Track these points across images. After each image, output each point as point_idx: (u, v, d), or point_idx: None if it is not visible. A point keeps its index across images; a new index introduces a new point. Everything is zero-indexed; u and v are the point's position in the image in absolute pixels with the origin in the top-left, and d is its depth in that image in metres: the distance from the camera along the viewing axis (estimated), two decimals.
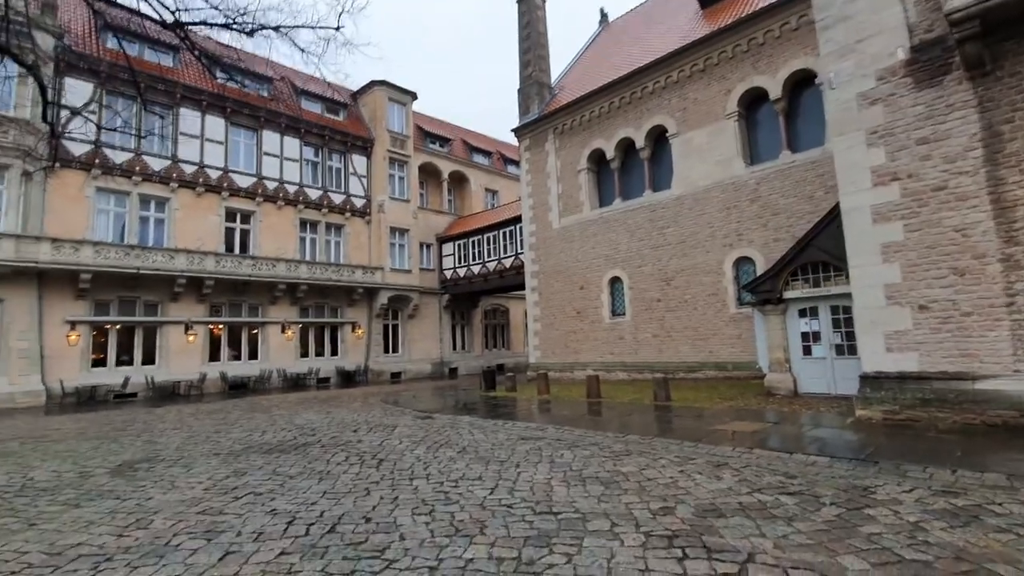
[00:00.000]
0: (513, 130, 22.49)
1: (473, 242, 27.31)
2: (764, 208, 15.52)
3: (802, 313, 11.59)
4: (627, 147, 19.21)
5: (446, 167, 30.45)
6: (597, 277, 19.52)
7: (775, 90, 15.45)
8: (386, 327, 26.65)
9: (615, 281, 19.07)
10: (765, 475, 5.71)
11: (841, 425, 8.14)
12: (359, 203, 25.97)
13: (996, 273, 7.22)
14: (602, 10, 26.98)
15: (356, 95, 27.02)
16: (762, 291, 11.99)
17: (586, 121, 20.28)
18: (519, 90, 22.95)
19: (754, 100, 16.27)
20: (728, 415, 9.60)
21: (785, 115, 15.59)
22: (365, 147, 26.31)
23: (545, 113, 21.55)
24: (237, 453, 7.88)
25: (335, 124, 25.40)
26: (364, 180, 26.26)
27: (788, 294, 11.66)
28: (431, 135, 30.29)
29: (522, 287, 24.11)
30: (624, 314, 18.65)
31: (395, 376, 26.11)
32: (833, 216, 10.71)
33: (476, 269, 27.05)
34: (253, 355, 22.29)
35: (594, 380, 13.02)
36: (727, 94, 16.48)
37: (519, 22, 23.38)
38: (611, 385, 15.73)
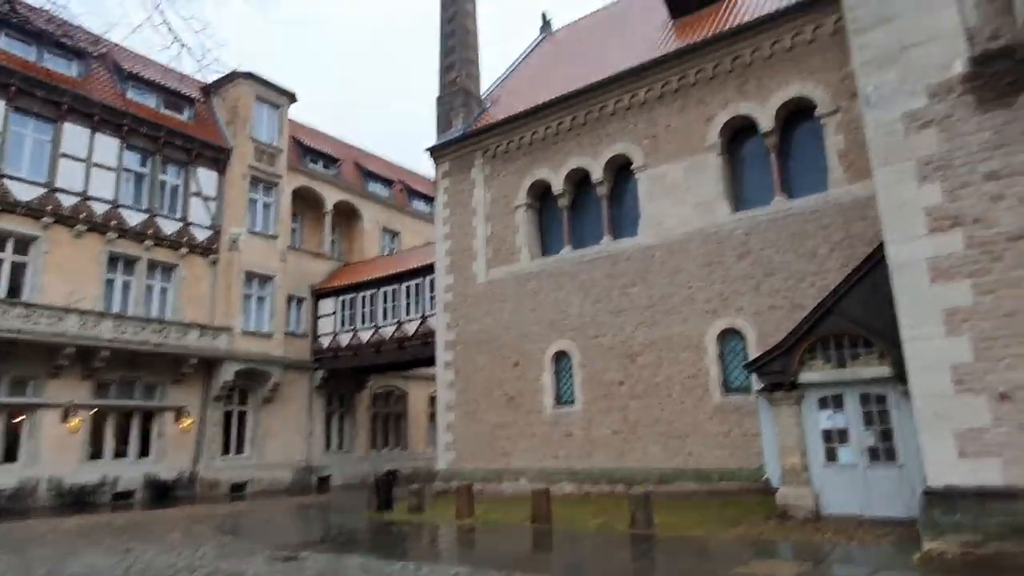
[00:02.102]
0: (429, 149, 21.82)
1: (364, 298, 25.78)
2: (755, 266, 15.55)
3: (823, 403, 11.19)
4: (580, 180, 19.04)
5: (331, 195, 29.16)
6: (538, 351, 18.61)
7: (766, 121, 15.93)
8: (229, 415, 23.96)
9: (561, 357, 18.26)
10: None
11: (907, 564, 7.52)
12: (202, 236, 23.79)
13: None
14: (544, 15, 27.83)
15: (211, 89, 25.42)
16: (770, 372, 11.54)
17: (527, 144, 20.04)
18: (439, 99, 22.55)
19: (740, 131, 16.70)
20: (743, 550, 8.71)
21: (778, 152, 16.05)
22: (217, 159, 24.50)
23: (473, 130, 21.13)
24: None
25: (176, 124, 23.53)
26: (213, 204, 24.25)
27: (804, 377, 11.26)
28: (313, 152, 29.06)
29: (430, 362, 22.70)
30: (573, 402, 17.74)
31: (238, 488, 23.23)
32: (863, 274, 10.58)
33: (365, 336, 25.37)
34: (11, 455, 18.96)
35: (543, 497, 11.77)
36: (707, 122, 16.82)
37: (442, 14, 23.35)
38: (558, 502, 14.45)
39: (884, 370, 10.39)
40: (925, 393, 8.13)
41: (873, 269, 10.26)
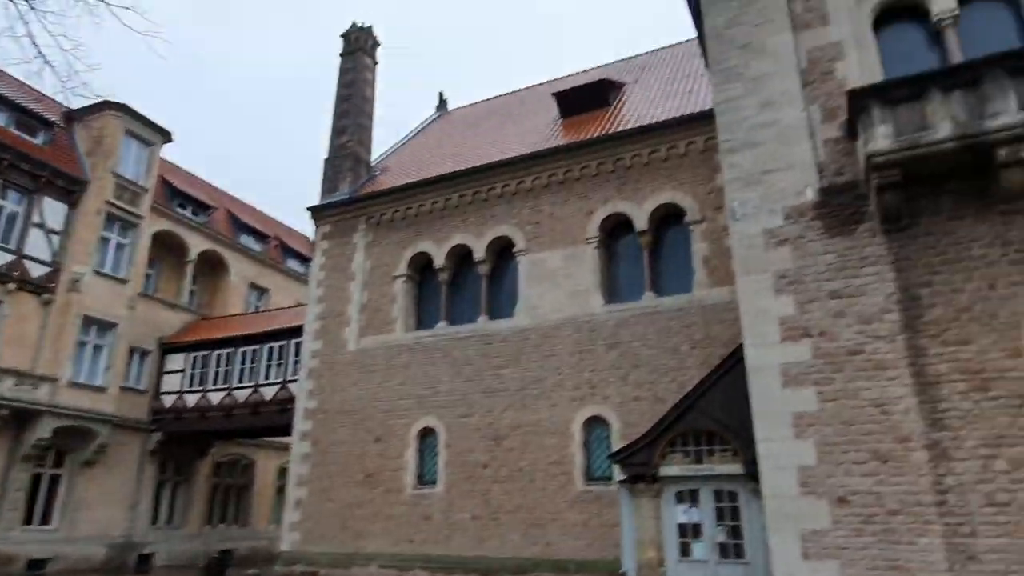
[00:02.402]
0: (311, 209, 21.16)
1: (219, 357, 23.91)
2: (623, 357, 16.05)
3: (680, 498, 11.45)
4: (462, 257, 19.10)
5: (197, 243, 27.35)
6: (403, 426, 17.92)
7: (640, 221, 16.92)
8: (38, 479, 20.86)
9: (427, 434, 17.67)
10: None
11: None
12: (37, 272, 21.28)
13: (922, 462, 7.70)
14: (441, 94, 28.67)
15: (75, 115, 23.46)
16: (633, 463, 11.73)
17: (412, 216, 19.96)
18: (327, 160, 22.15)
19: (617, 227, 17.57)
20: None
21: (650, 251, 16.99)
22: (70, 191, 22.35)
23: (359, 195, 20.82)
24: None
25: (26, 147, 21.33)
26: (56, 238, 21.90)
27: (665, 470, 11.53)
28: (183, 195, 27.34)
29: (286, 431, 21.18)
30: (435, 483, 17.07)
31: (37, 566, 19.96)
32: (722, 372, 11.18)
33: (216, 398, 23.39)
34: None
35: None
36: (588, 215, 17.60)
37: (339, 79, 23.29)
38: None
39: (736, 467, 10.85)
40: (774, 493, 8.50)
41: (732, 369, 10.89)
